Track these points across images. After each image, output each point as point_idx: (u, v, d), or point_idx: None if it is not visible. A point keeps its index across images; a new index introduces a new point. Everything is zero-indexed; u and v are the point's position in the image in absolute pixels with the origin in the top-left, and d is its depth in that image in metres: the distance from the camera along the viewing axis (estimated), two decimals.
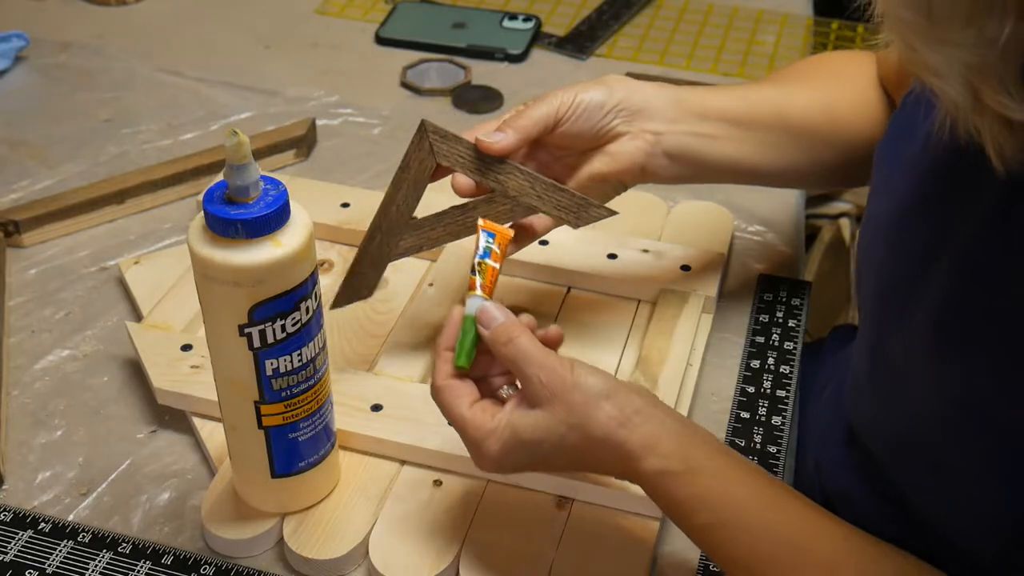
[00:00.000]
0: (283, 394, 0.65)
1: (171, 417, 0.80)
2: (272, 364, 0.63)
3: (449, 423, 0.66)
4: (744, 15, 1.30)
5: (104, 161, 1.05)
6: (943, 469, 0.63)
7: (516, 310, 0.87)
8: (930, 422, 0.63)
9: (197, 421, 0.78)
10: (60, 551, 0.70)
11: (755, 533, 0.61)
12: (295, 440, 0.67)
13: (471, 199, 0.76)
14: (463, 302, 0.67)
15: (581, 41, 1.24)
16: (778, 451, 0.77)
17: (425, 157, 0.75)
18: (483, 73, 1.18)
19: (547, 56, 1.23)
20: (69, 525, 0.71)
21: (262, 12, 1.30)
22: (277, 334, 0.62)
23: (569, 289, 0.89)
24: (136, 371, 0.83)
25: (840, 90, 0.84)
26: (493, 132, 0.75)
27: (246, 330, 0.61)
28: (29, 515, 0.72)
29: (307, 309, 0.63)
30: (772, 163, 0.82)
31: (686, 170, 0.79)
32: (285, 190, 0.61)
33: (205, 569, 0.69)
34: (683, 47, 1.24)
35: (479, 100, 1.14)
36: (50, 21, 1.26)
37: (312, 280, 0.63)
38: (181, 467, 0.77)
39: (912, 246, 0.65)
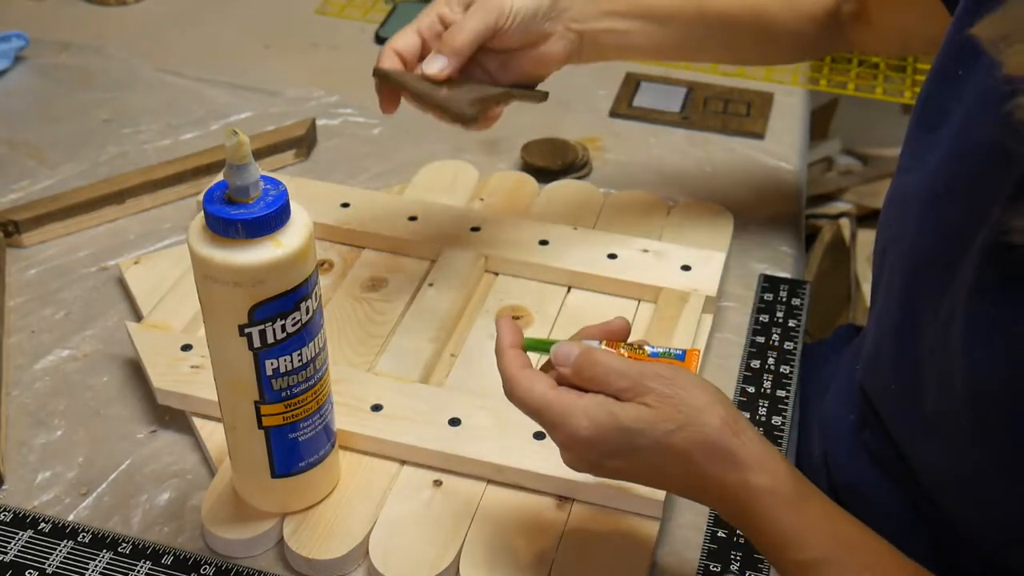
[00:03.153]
0: (283, 394, 0.65)
1: (171, 417, 0.80)
2: (272, 364, 0.63)
3: (532, 414, 0.61)
4: None
5: (104, 161, 1.05)
6: (966, 451, 0.62)
7: (516, 310, 0.88)
8: (961, 401, 0.61)
9: (197, 421, 0.78)
10: (60, 551, 0.70)
11: (873, 572, 0.58)
12: (295, 440, 0.67)
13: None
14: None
15: None
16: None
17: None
18: None
19: None
20: (69, 525, 0.71)
21: (262, 12, 1.30)
22: (277, 334, 0.62)
23: (569, 289, 0.89)
24: (136, 371, 0.83)
25: None
26: (433, 58, 0.77)
27: (246, 330, 0.61)
28: (29, 515, 0.72)
29: (307, 309, 0.63)
30: (689, 52, 0.90)
31: (604, 56, 0.86)
32: (285, 190, 0.60)
33: (205, 569, 0.69)
34: None
35: None
36: (50, 21, 1.26)
37: (312, 280, 0.63)
38: (181, 467, 0.77)
39: (947, 225, 0.64)
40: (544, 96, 0.84)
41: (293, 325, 0.62)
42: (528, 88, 0.83)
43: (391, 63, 0.78)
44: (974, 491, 0.63)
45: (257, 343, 0.62)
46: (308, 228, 0.61)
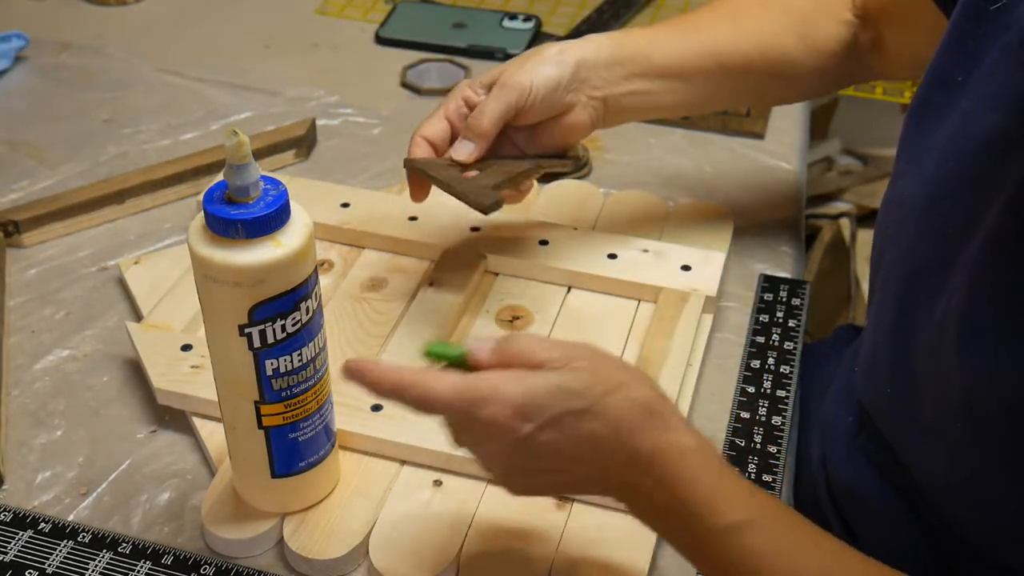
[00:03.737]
0: (283, 394, 0.65)
1: (171, 417, 0.80)
2: (272, 364, 0.63)
3: (450, 402, 0.57)
4: None
5: (104, 161, 1.05)
6: (963, 455, 0.62)
7: (516, 310, 0.87)
8: (958, 405, 0.62)
9: (197, 421, 0.78)
10: (60, 551, 0.70)
11: (797, 535, 0.59)
12: (295, 440, 0.67)
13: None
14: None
15: None
16: (778, 451, 0.77)
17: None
18: (483, 73, 1.17)
19: None
20: (69, 525, 0.71)
21: (262, 12, 1.30)
22: (277, 334, 0.62)
23: (569, 289, 0.89)
24: (136, 371, 0.83)
25: (775, 22, 0.86)
26: (461, 144, 0.78)
27: (246, 330, 0.61)
28: (29, 515, 0.72)
29: (307, 309, 0.63)
30: (714, 102, 0.90)
31: (633, 118, 0.86)
32: (285, 190, 0.60)
33: (205, 569, 0.69)
34: None
35: None
36: (50, 21, 1.26)
37: (312, 280, 0.63)
38: (181, 467, 0.77)
39: (945, 228, 0.65)
40: (575, 165, 0.86)
41: (293, 325, 0.62)
42: (558, 157, 0.84)
43: (422, 151, 0.78)
44: (972, 494, 0.63)
45: (257, 343, 0.62)
46: (308, 228, 0.61)
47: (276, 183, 0.61)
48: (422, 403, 0.58)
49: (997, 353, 0.58)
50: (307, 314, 0.63)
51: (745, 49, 0.84)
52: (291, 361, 0.64)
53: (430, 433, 0.74)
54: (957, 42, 0.66)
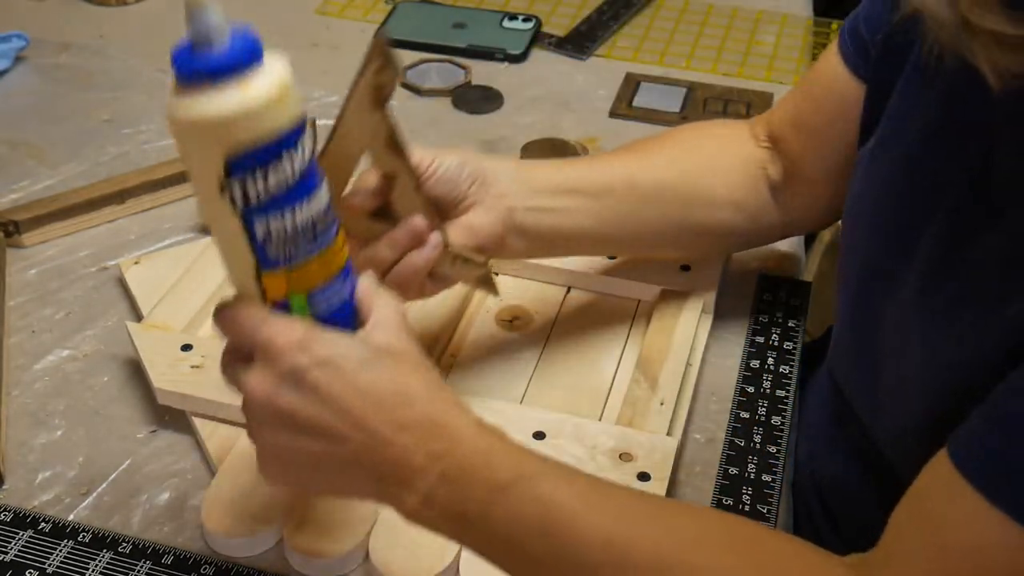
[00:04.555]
0: (281, 260, 0.59)
1: (171, 417, 0.80)
2: (262, 226, 0.58)
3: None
4: (744, 15, 1.30)
5: (104, 161, 1.05)
6: (930, 434, 0.63)
7: (516, 310, 0.88)
8: (917, 387, 0.64)
9: (197, 421, 0.78)
10: (60, 551, 0.70)
11: (586, 482, 0.57)
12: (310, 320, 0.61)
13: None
14: None
15: (581, 41, 1.24)
16: (778, 451, 0.77)
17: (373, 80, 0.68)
18: (483, 73, 1.18)
19: (547, 56, 1.23)
20: (69, 525, 0.72)
21: (262, 12, 1.30)
22: (260, 190, 0.57)
23: (569, 289, 0.89)
24: (136, 371, 0.83)
25: (698, 151, 0.83)
26: (354, 194, 0.71)
27: (226, 188, 0.57)
28: (29, 515, 0.72)
29: (292, 160, 0.57)
30: (628, 229, 0.80)
31: (541, 245, 0.77)
32: (252, 36, 0.57)
33: (205, 569, 0.69)
34: (683, 47, 1.24)
35: (479, 100, 1.14)
36: (50, 21, 1.27)
37: (297, 132, 0.57)
38: (181, 467, 0.77)
39: (895, 222, 0.67)
40: (481, 273, 0.76)
41: (277, 178, 0.57)
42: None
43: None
44: None
45: (240, 201, 0.57)
46: (282, 76, 0.57)
47: (246, 30, 0.57)
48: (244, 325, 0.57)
49: (947, 357, 0.61)
50: (293, 166, 0.57)
51: (657, 174, 0.80)
52: (283, 220, 0.58)
53: None
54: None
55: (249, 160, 0.56)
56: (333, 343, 0.56)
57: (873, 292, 0.70)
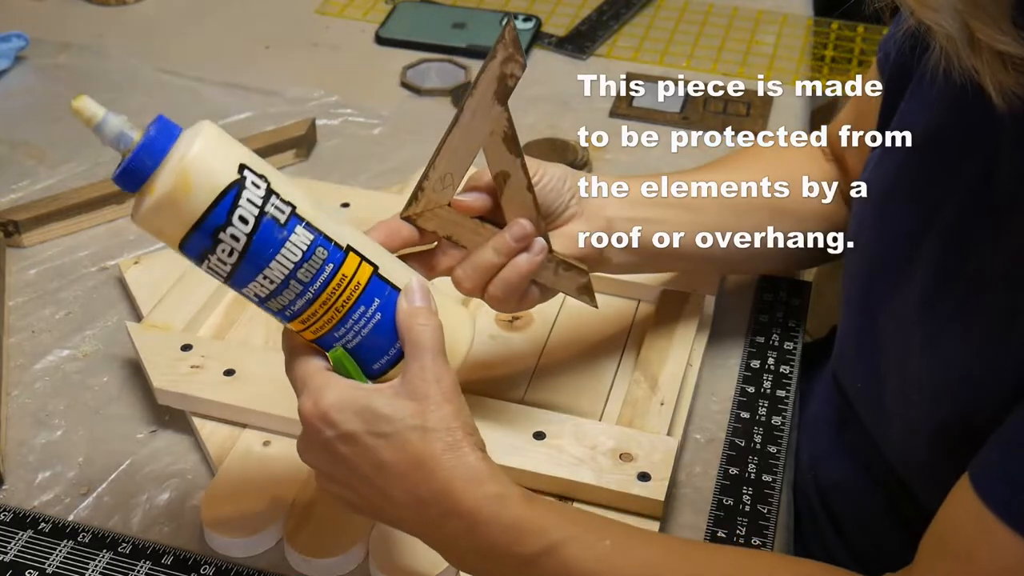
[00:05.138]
0: (287, 313, 0.60)
1: (171, 417, 0.80)
2: (249, 291, 0.59)
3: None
4: (744, 15, 1.30)
5: (104, 161, 1.05)
6: (938, 441, 0.63)
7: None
8: (924, 395, 0.64)
9: (197, 421, 0.78)
10: (60, 551, 0.70)
11: (614, 538, 0.59)
12: (347, 348, 0.62)
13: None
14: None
15: (581, 41, 1.24)
16: (778, 451, 0.77)
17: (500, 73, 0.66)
18: None
19: (547, 56, 1.23)
20: (69, 525, 0.71)
21: (262, 12, 1.30)
22: (223, 266, 0.58)
23: None
24: (136, 371, 0.83)
25: (783, 166, 0.83)
26: (465, 193, 0.70)
27: (201, 268, 0.58)
28: (29, 515, 0.72)
29: (233, 236, 0.57)
30: (724, 242, 0.79)
31: (639, 258, 0.77)
32: (146, 138, 0.58)
33: (205, 569, 0.69)
34: (683, 47, 1.24)
35: None
36: (50, 21, 1.26)
37: (224, 204, 0.56)
38: (181, 467, 0.77)
39: (899, 227, 0.67)
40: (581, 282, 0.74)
41: (228, 254, 0.57)
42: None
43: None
44: (942, 486, 0.64)
45: (220, 277, 0.58)
46: (182, 165, 0.56)
47: (149, 132, 0.58)
48: (289, 361, 0.63)
49: (954, 352, 0.60)
50: (237, 238, 0.57)
51: (750, 188, 0.79)
52: (262, 283, 0.58)
53: None
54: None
55: (191, 247, 0.58)
56: (349, 420, 0.59)
57: (878, 299, 0.69)
